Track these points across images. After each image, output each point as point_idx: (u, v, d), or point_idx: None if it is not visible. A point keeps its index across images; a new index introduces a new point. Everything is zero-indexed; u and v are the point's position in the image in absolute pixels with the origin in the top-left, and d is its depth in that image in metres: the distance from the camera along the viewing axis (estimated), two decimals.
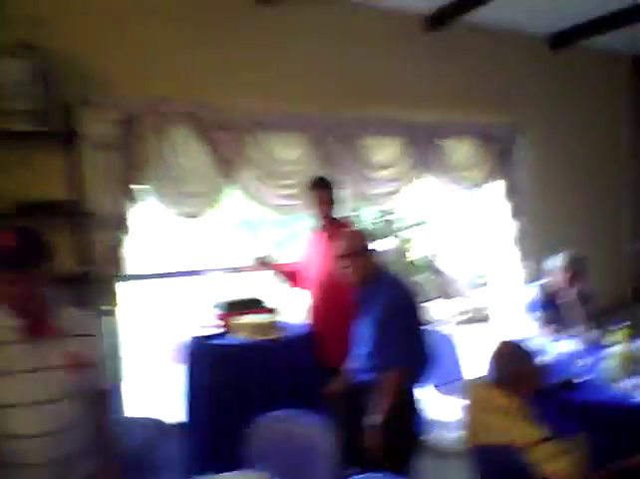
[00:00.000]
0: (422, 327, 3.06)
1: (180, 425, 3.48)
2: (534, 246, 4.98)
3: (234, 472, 2.41)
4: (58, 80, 3.21)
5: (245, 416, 2.89)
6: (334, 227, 3.75)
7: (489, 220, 5.13)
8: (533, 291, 4.23)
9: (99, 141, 3.34)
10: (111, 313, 3.48)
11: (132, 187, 3.47)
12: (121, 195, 3.42)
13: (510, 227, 5.01)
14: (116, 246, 3.41)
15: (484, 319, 5.15)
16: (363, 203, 4.36)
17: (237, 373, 3.33)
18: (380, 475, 2.40)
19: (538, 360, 2.87)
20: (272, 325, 3.53)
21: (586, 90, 5.25)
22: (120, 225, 3.42)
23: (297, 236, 4.17)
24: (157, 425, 2.93)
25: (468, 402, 2.81)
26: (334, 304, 3.64)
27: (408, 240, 7.63)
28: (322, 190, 3.74)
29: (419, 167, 4.49)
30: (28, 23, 3.07)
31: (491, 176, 4.87)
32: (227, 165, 3.78)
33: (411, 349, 2.96)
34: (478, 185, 4.79)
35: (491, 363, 2.77)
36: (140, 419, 3.03)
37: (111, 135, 3.39)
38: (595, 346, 3.70)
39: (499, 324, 5.12)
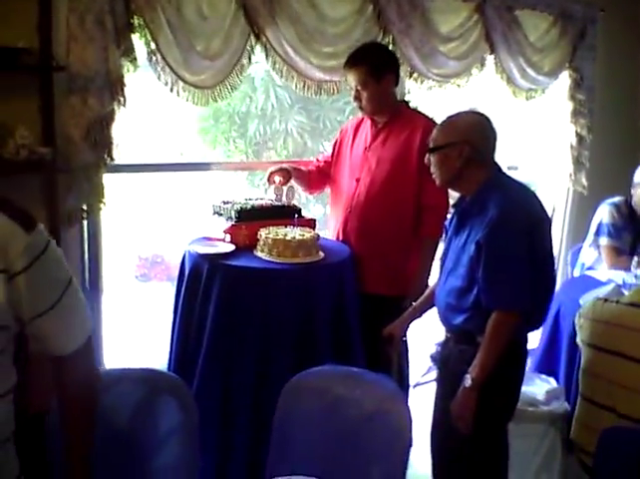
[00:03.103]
0: (548, 256, 2.19)
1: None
2: (594, 156, 4.14)
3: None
4: None
5: (273, 372, 2.28)
6: (390, 116, 2.80)
7: (545, 122, 4.22)
8: (603, 212, 3.45)
9: None
10: (92, 214, 2.54)
11: (130, 37, 2.44)
12: (114, 46, 2.38)
13: (568, 131, 4.11)
14: (104, 121, 2.40)
15: None
16: (421, 85, 3.35)
17: (262, 309, 2.41)
18: None
19: None
20: (316, 244, 2.61)
21: None
22: (112, 89, 2.39)
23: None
24: (156, 381, 1.88)
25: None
26: (382, 217, 2.77)
27: None
28: (365, 64, 2.69)
29: (486, 42, 3.49)
30: None
31: (563, 64, 3.92)
32: (256, 16, 2.72)
33: (527, 286, 2.06)
34: (547, 74, 3.84)
35: None
36: (128, 371, 1.91)
37: None
38: None
39: None
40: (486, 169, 2.16)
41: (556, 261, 4.31)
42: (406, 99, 3.05)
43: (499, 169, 2.21)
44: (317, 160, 3.16)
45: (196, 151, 7.09)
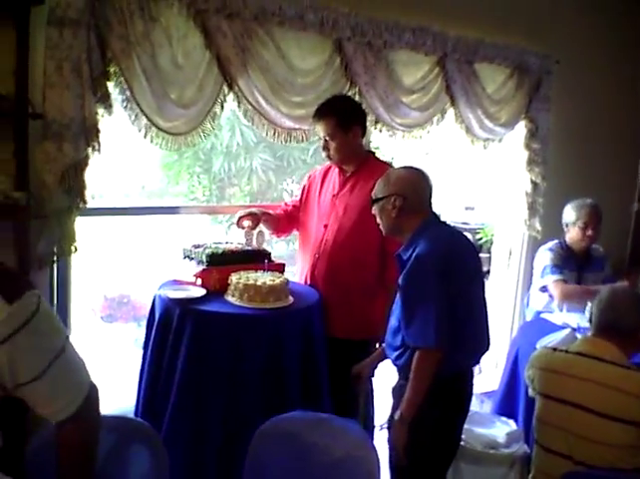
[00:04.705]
0: (469, 295, 2.27)
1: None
2: (545, 203, 4.30)
3: None
4: None
5: (243, 417, 2.31)
6: (358, 165, 2.91)
7: (502, 168, 4.37)
8: (544, 256, 3.60)
9: (64, 14, 2.32)
10: (63, 259, 2.55)
11: (106, 84, 2.49)
12: (90, 94, 2.42)
13: (523, 178, 4.27)
14: (78, 167, 2.43)
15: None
16: (386, 134, 3.44)
17: (233, 354, 2.43)
18: None
19: None
20: (285, 289, 2.66)
21: (624, 29, 4.58)
22: (87, 136, 2.43)
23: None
24: (125, 428, 1.91)
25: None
26: (349, 263, 2.85)
27: None
28: (334, 116, 2.82)
29: (447, 94, 3.64)
30: None
31: (519, 115, 4.09)
32: (229, 66, 2.79)
33: (442, 323, 2.14)
34: (504, 125, 4.00)
35: (606, 312, 2.39)
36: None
37: (81, 8, 2.36)
38: None
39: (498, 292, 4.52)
40: (420, 218, 2.31)
41: (513, 304, 4.46)
42: (372, 148, 3.15)
43: (435, 216, 2.36)
44: (285, 204, 3.24)
45: (159, 184, 7.09)
